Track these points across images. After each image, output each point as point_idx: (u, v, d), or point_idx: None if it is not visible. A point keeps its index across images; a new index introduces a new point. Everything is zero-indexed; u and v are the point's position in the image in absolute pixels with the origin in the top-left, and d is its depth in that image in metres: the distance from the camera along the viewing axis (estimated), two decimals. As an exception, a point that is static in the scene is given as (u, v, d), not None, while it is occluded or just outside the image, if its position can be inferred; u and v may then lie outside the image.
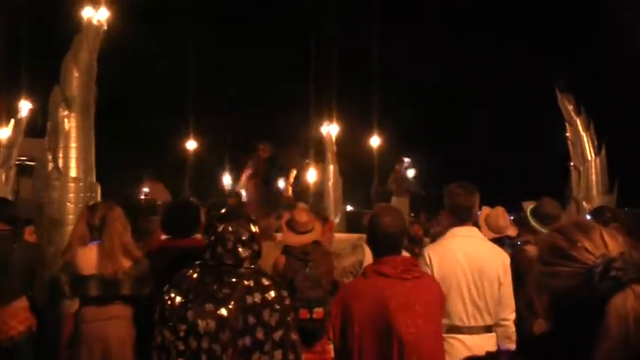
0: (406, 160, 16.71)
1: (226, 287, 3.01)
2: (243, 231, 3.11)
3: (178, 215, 4.97)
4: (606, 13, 20.18)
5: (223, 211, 3.23)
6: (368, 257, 4.96)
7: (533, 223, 4.99)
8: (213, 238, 3.11)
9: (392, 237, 3.69)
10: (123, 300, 4.71)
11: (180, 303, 3.00)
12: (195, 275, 3.07)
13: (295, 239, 5.48)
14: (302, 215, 5.61)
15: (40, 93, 12.92)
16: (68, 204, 8.19)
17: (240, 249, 3.08)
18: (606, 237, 1.61)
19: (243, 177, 14.02)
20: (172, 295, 3.04)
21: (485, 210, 5.96)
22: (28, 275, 5.31)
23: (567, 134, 13.12)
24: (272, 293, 3.06)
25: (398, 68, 24.18)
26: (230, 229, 3.10)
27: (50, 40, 14.06)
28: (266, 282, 3.10)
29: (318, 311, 5.22)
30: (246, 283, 3.03)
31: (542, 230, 4.85)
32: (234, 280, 3.03)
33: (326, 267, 5.49)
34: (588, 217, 6.59)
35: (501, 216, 5.90)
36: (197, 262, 3.14)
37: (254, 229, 3.17)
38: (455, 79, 25.24)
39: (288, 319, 3.08)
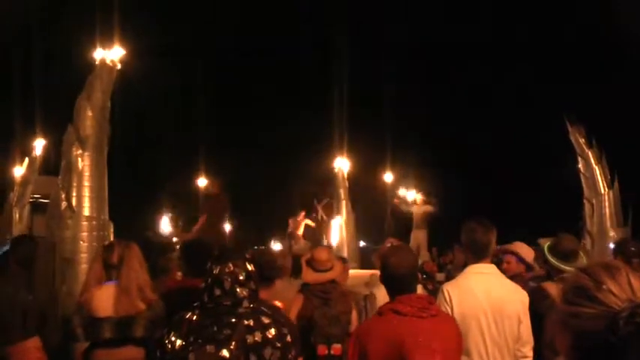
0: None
1: (226, 328, 3.00)
2: (240, 271, 3.12)
3: (193, 254, 4.97)
4: (617, 46, 20.26)
5: (218, 252, 3.25)
6: (380, 297, 4.97)
7: (552, 260, 4.93)
8: (209, 280, 3.11)
9: (405, 276, 3.69)
10: (136, 342, 4.66)
11: (181, 346, 3.00)
12: (194, 317, 3.07)
13: (314, 277, 5.48)
14: (322, 254, 5.62)
15: (53, 131, 13.05)
16: (81, 242, 8.19)
17: (237, 289, 3.09)
18: (633, 280, 1.60)
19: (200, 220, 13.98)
20: (172, 338, 3.04)
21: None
22: (38, 316, 5.28)
23: (579, 166, 13.10)
24: (272, 331, 3.07)
25: (411, 104, 24.31)
26: (226, 270, 3.10)
27: (64, 78, 14.24)
28: (266, 320, 3.09)
29: (337, 347, 5.23)
30: (245, 322, 3.03)
31: (561, 267, 4.80)
32: (233, 320, 3.02)
33: (344, 306, 5.48)
34: (611, 245, 6.55)
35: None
36: (195, 304, 3.14)
37: (250, 267, 3.17)
38: (467, 115, 25.32)
39: (290, 356, 3.09)
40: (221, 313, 3.04)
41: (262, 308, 3.20)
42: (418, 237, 14.78)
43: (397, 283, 3.69)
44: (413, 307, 3.56)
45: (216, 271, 3.12)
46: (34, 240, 6.06)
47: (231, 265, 3.12)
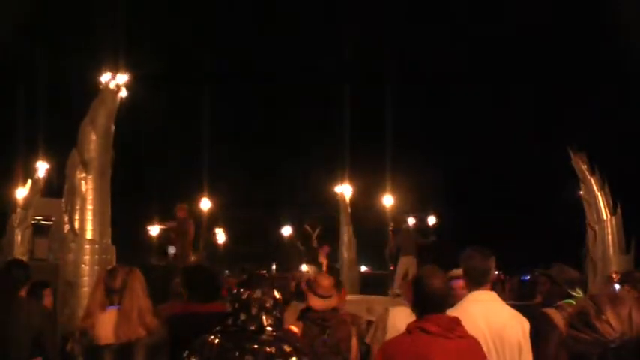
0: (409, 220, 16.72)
1: (248, 354, 3.03)
2: (268, 298, 3.16)
3: (194, 280, 5.00)
4: (621, 73, 20.37)
5: (246, 277, 3.27)
6: (392, 320, 4.97)
7: (567, 289, 4.97)
8: (237, 304, 3.13)
9: (437, 296, 3.72)
10: None
11: None
12: (216, 341, 3.09)
13: (320, 303, 5.43)
14: (325, 279, 5.59)
15: (57, 154, 13.09)
16: (83, 266, 8.20)
17: (263, 316, 3.11)
18: (634, 314, 1.63)
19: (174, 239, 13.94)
20: (193, 359, 3.06)
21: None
22: (34, 340, 5.29)
23: (581, 193, 13.09)
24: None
25: (411, 129, 24.37)
26: (255, 295, 3.13)
27: (67, 101, 14.34)
28: (287, 348, 3.11)
29: None
30: (267, 349, 3.05)
31: (574, 294, 4.85)
32: (255, 346, 3.05)
33: (343, 333, 5.45)
34: (617, 286, 6.55)
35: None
36: (217, 328, 3.15)
37: (278, 296, 3.21)
38: (468, 141, 25.37)
39: None
40: (244, 339, 3.07)
41: (285, 336, 3.23)
42: (408, 263, 14.49)
43: (432, 302, 3.71)
44: (440, 326, 3.60)
45: (244, 296, 3.15)
46: (27, 265, 6.09)
47: (259, 291, 3.15)
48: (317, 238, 15.65)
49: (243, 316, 3.11)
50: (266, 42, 25.10)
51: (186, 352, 3.12)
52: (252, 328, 3.08)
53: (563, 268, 5.15)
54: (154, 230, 17.04)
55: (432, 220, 18.53)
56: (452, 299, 5.38)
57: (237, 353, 3.01)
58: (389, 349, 3.76)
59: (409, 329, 3.72)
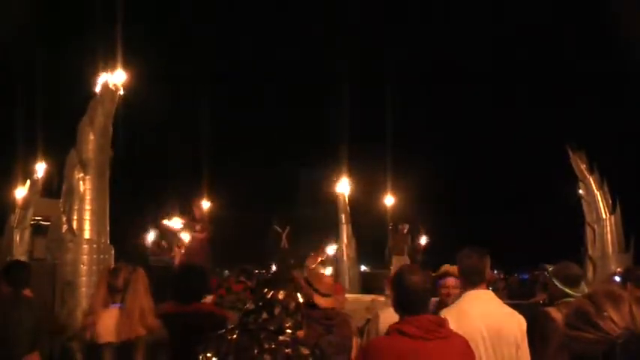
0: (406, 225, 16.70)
1: (267, 353, 3.04)
2: (291, 300, 3.18)
3: (186, 280, 5.02)
4: (619, 71, 20.37)
5: (270, 276, 3.30)
6: (383, 319, 4.94)
7: (557, 284, 4.94)
8: (260, 303, 3.14)
9: (417, 296, 3.67)
10: None
11: None
12: (234, 337, 3.11)
13: (324, 301, 5.41)
14: (326, 277, 5.56)
15: (56, 154, 13.08)
16: (82, 266, 8.19)
17: (284, 317, 3.13)
18: (635, 310, 1.63)
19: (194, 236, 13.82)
20: (209, 354, 3.07)
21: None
22: (33, 332, 5.33)
23: (580, 192, 13.08)
24: None
25: (411, 129, 24.37)
26: (279, 297, 3.15)
27: (67, 102, 14.31)
28: (305, 351, 3.14)
29: None
30: (286, 351, 3.07)
31: (566, 291, 4.83)
32: (274, 346, 3.07)
33: (346, 332, 5.43)
34: (617, 278, 6.53)
35: None
36: (233, 326, 3.20)
37: (301, 299, 3.24)
38: (468, 141, 25.36)
39: None
40: (263, 338, 3.08)
41: (302, 340, 3.24)
42: (401, 264, 14.41)
43: (412, 301, 3.66)
44: (419, 328, 3.53)
45: (268, 295, 3.16)
46: (27, 265, 6.14)
47: (283, 292, 3.17)
48: (287, 238, 15.60)
49: (265, 315, 3.13)
50: (266, 42, 25.10)
51: (201, 346, 3.12)
52: (272, 328, 3.10)
53: (567, 266, 5.14)
54: (175, 224, 16.35)
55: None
56: (446, 299, 5.37)
57: (255, 352, 3.03)
58: (369, 351, 3.73)
59: (388, 332, 3.68)
